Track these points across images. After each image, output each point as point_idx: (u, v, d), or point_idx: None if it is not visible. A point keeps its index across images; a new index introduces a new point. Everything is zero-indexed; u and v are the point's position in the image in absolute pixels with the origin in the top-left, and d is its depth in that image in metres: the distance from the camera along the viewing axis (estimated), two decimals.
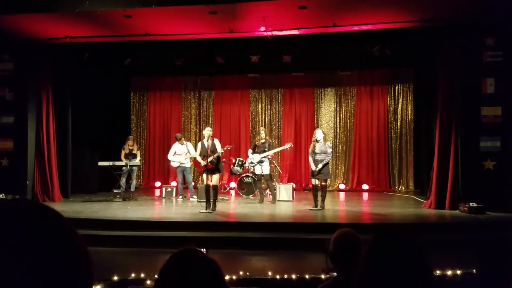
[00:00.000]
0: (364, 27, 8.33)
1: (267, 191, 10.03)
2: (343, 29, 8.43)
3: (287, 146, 9.71)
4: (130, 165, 9.88)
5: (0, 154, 9.32)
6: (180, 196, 10.15)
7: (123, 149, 10.21)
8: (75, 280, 0.73)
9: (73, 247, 0.75)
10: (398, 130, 12.17)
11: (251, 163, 9.67)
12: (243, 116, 12.98)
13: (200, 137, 12.56)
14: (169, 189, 10.50)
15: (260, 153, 9.35)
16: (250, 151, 9.87)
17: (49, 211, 0.77)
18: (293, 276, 4.39)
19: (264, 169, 9.37)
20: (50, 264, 0.70)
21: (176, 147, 10.19)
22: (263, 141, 9.46)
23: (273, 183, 10.04)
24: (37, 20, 8.03)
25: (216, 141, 8.21)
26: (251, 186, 10.39)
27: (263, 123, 12.85)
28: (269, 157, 9.56)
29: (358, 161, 12.34)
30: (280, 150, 11.03)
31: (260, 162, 9.36)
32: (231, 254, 5.90)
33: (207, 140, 8.15)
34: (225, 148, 8.44)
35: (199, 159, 8.27)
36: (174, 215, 8.08)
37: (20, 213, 0.74)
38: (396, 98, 12.23)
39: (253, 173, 10.05)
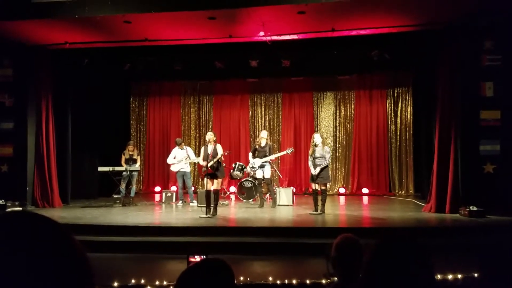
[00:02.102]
0: (363, 32, 8.35)
1: (267, 195, 10.01)
2: (342, 34, 8.45)
3: (288, 151, 9.67)
4: (130, 170, 9.87)
5: None
6: (180, 201, 10.13)
7: (123, 154, 10.21)
8: (75, 286, 0.73)
9: (71, 253, 0.75)
10: (398, 134, 12.18)
11: (253, 167, 9.65)
12: (243, 121, 12.99)
13: (199, 142, 12.60)
14: (169, 194, 10.49)
15: (261, 158, 9.34)
16: (250, 154, 9.85)
17: (45, 219, 0.77)
18: (294, 281, 4.38)
19: (265, 173, 9.35)
20: (49, 271, 0.70)
21: (175, 152, 10.19)
22: (263, 144, 9.45)
23: (273, 188, 10.03)
24: (37, 26, 8.05)
25: (219, 146, 8.20)
26: (251, 190, 10.37)
27: (262, 128, 12.85)
28: (270, 161, 9.54)
29: (358, 165, 12.34)
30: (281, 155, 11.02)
31: (261, 166, 9.35)
32: (232, 260, 5.85)
33: (208, 145, 8.15)
34: (224, 153, 8.42)
35: (201, 162, 8.25)
36: (174, 220, 8.06)
37: (17, 223, 0.74)
38: (396, 102, 12.24)
39: (253, 177, 10.04)
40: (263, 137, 9.54)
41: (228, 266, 1.23)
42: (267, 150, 9.35)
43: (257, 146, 9.60)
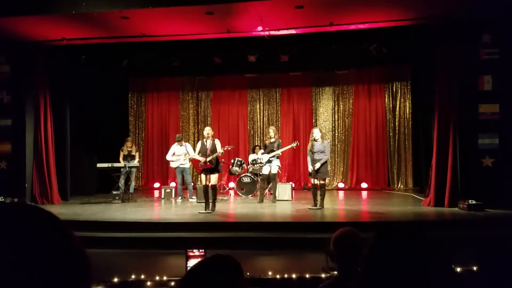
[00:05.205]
0: (361, 26, 8.33)
1: (266, 190, 9.99)
2: (340, 28, 8.42)
3: (293, 144, 9.59)
4: (128, 167, 9.87)
5: None
6: (179, 197, 10.14)
7: (122, 151, 10.20)
8: (74, 281, 0.73)
9: (70, 248, 0.75)
10: (397, 128, 12.19)
11: (260, 163, 9.62)
12: (241, 116, 12.99)
13: (198, 138, 12.57)
14: (168, 190, 10.50)
15: (268, 153, 9.31)
16: (261, 151, 9.87)
17: (44, 213, 0.77)
18: (293, 276, 4.39)
19: (272, 168, 9.30)
20: (47, 266, 0.70)
21: (174, 148, 10.18)
22: (272, 140, 9.41)
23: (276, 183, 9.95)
24: (33, 22, 8.00)
25: (217, 142, 8.18)
26: (250, 186, 10.38)
27: (261, 123, 12.87)
28: (278, 156, 9.45)
29: (357, 160, 12.35)
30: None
31: (269, 162, 9.31)
32: (231, 255, 5.88)
33: (207, 140, 8.14)
34: (224, 148, 8.40)
35: (197, 157, 8.23)
36: (173, 216, 8.07)
37: (17, 216, 0.74)
38: (394, 96, 12.25)
39: (255, 173, 10.05)
40: (270, 133, 9.49)
41: (237, 262, 1.23)
42: (275, 146, 9.31)
43: (266, 142, 9.59)
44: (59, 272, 0.71)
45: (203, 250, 3.70)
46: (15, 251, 0.69)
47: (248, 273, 4.52)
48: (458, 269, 4.14)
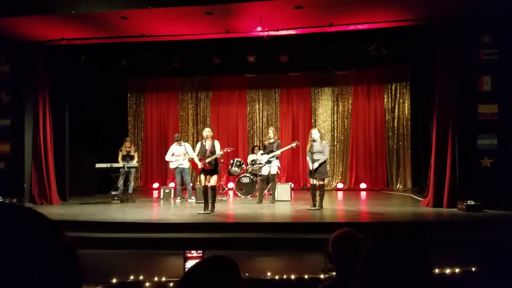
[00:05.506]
0: (361, 26, 8.33)
1: (265, 191, 10.00)
2: (339, 29, 8.42)
3: (293, 144, 9.58)
4: (127, 167, 9.86)
5: None
6: (178, 198, 10.13)
7: (121, 151, 10.20)
8: (72, 281, 0.73)
9: (67, 249, 0.75)
10: (396, 129, 12.19)
11: (259, 163, 9.62)
12: (241, 116, 12.99)
13: (197, 138, 12.58)
14: (167, 191, 10.49)
15: (268, 154, 9.31)
16: (260, 152, 9.86)
17: (40, 214, 0.77)
18: (292, 277, 4.39)
19: (272, 169, 9.30)
20: (47, 266, 0.70)
21: (174, 148, 10.17)
22: (272, 141, 9.39)
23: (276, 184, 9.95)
24: (33, 23, 8.00)
25: (217, 143, 8.18)
26: (249, 186, 10.38)
27: (260, 123, 12.86)
28: (277, 156, 9.45)
29: (356, 160, 12.35)
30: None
31: (268, 162, 9.31)
32: (230, 255, 5.86)
33: (205, 141, 8.13)
34: (224, 150, 8.40)
35: (196, 160, 8.23)
36: (172, 217, 8.06)
37: (17, 216, 0.74)
38: (393, 96, 12.26)
39: (254, 173, 10.04)
40: (270, 133, 9.48)
41: (235, 263, 1.23)
42: (275, 147, 9.30)
43: (265, 143, 9.58)
44: (58, 272, 0.72)
45: (201, 251, 3.71)
46: (16, 251, 0.69)
47: (247, 274, 4.52)
48: (457, 270, 4.15)
